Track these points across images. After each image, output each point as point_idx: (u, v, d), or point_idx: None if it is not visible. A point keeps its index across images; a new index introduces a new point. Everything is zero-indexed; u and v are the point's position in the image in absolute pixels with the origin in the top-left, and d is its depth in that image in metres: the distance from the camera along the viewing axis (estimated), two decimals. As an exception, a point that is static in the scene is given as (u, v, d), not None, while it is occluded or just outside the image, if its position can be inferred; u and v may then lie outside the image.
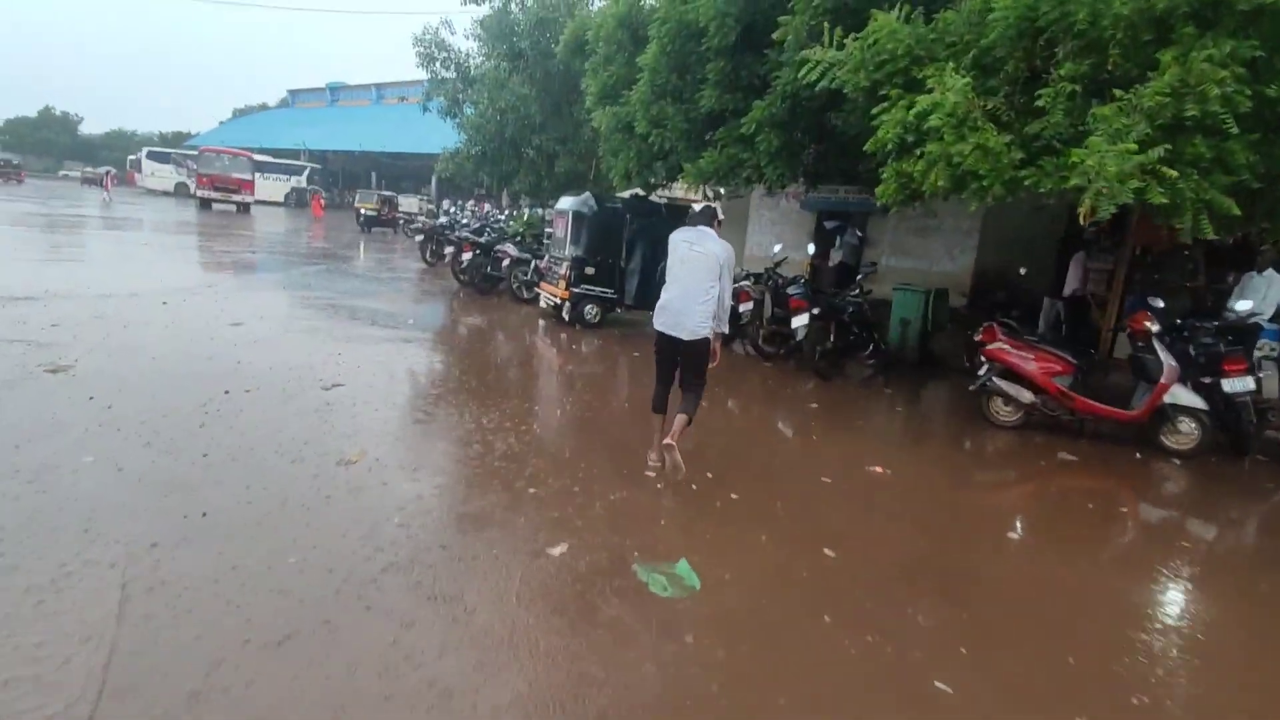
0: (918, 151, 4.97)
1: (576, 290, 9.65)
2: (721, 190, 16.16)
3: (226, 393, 4.95)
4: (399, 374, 6.31)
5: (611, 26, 11.73)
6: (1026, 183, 4.49)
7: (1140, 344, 6.32)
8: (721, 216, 4.55)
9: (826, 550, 3.52)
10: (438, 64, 19.67)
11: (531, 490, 3.92)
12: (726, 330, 4.50)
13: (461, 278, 12.60)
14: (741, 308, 8.79)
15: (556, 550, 3.21)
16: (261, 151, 41.83)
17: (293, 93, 61.43)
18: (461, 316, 10.30)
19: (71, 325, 6.41)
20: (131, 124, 66.29)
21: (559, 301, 9.79)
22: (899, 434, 6.33)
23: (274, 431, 4.36)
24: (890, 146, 5.24)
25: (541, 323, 10.11)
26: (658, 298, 10.36)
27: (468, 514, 3.56)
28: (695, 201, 15.66)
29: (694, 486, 4.23)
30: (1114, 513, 4.80)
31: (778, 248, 10.03)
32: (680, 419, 4.22)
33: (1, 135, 61.57)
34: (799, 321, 7.66)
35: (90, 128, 67.83)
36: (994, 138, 4.48)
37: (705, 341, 4.26)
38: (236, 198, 26.78)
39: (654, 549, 3.34)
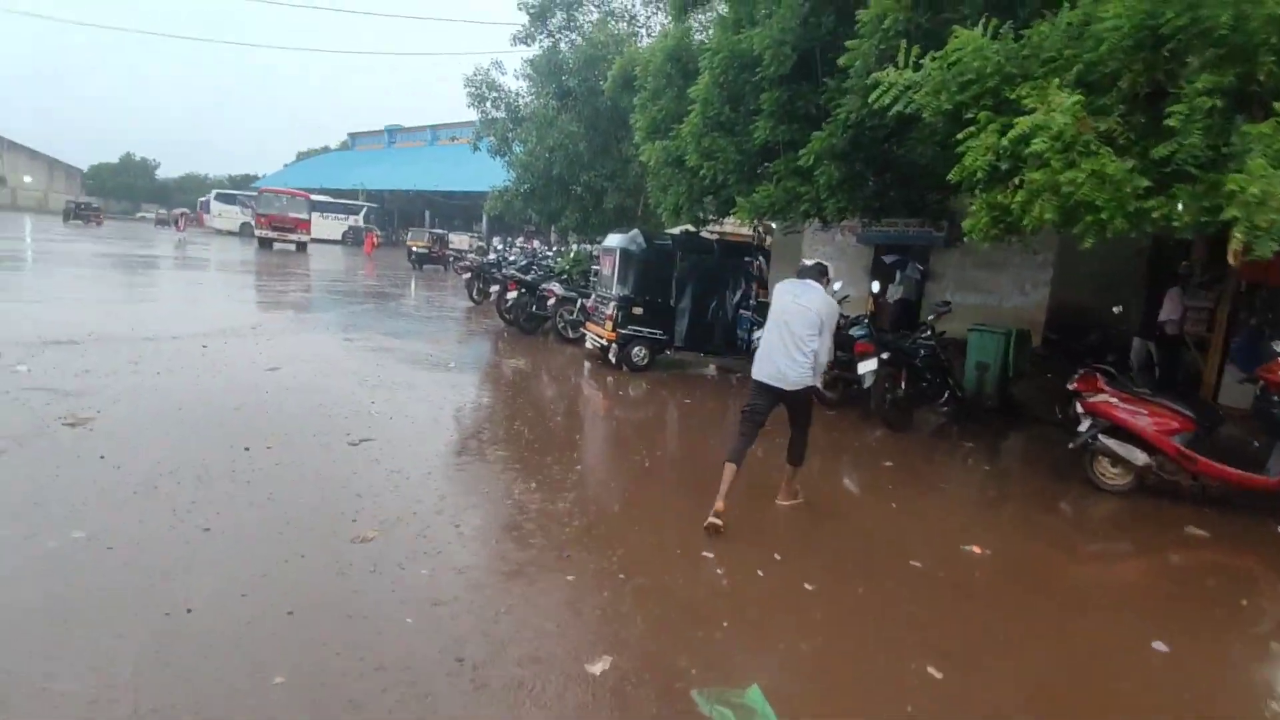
0: (1015, 180, 4.34)
1: (624, 331, 9.17)
2: (774, 224, 15.66)
3: (246, 449, 4.58)
4: (433, 425, 5.88)
5: (660, 61, 11.47)
6: (1155, 214, 3.80)
7: (1276, 397, 5.44)
8: (833, 276, 4.68)
9: (931, 669, 2.84)
10: (488, 104, 19.89)
11: (570, 578, 3.36)
12: (818, 384, 4.58)
13: (506, 317, 12.30)
14: (801, 351, 8.16)
15: (596, 668, 2.63)
16: (322, 192, 43.35)
17: (353, 135, 63.98)
18: (504, 358, 9.93)
19: (104, 371, 6.21)
20: (204, 168, 70.03)
21: (605, 343, 9.33)
22: (991, 500, 5.55)
23: (287, 498, 3.92)
24: (979, 175, 4.62)
25: (587, 365, 9.64)
26: (709, 339, 9.70)
27: (493, 613, 3.01)
28: (745, 237, 15.16)
29: (760, 572, 3.60)
30: (1273, 610, 3.95)
31: (838, 285, 9.34)
32: (789, 470, 4.62)
33: (86, 180, 65.69)
34: (866, 367, 6.96)
35: (167, 172, 71.87)
36: (1113, 163, 3.82)
37: (808, 390, 4.38)
38: (293, 236, 27.48)
39: (717, 666, 2.72)
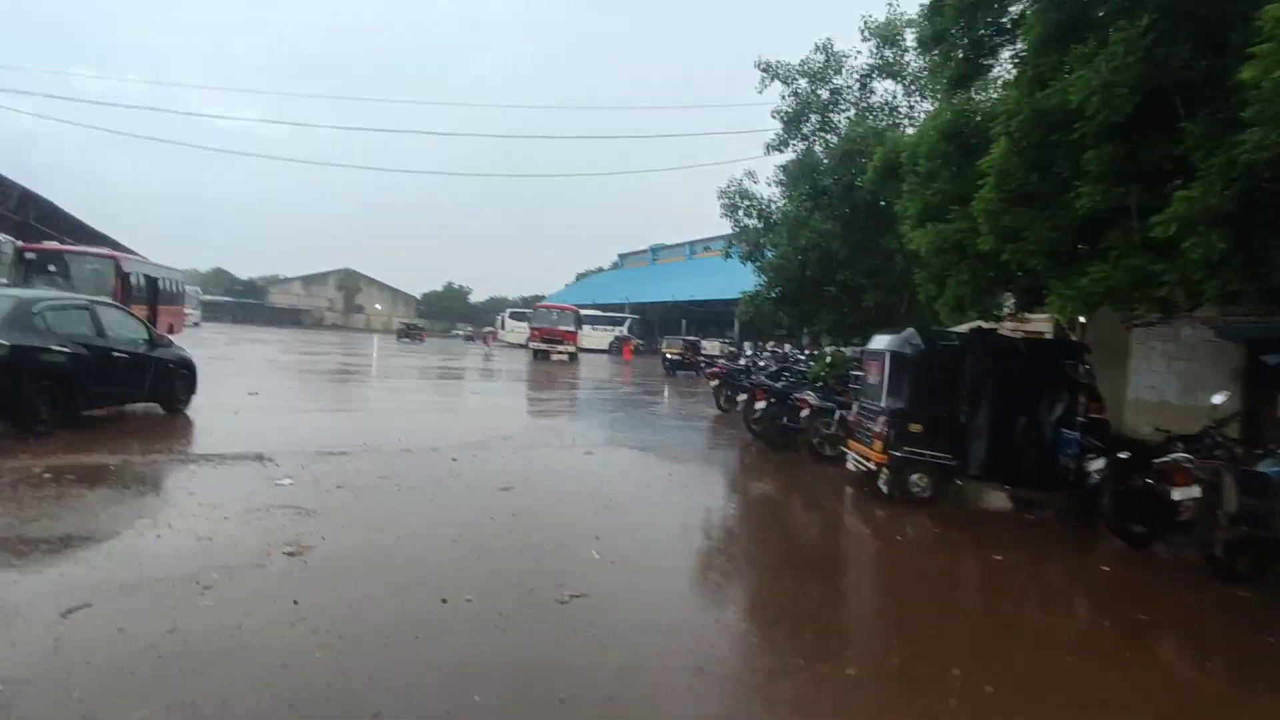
0: None
1: (897, 454, 7.37)
2: (1082, 319, 12.56)
3: (443, 602, 3.88)
4: (659, 578, 4.78)
5: (934, 140, 10.03)
6: None
7: None
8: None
9: None
10: (740, 212, 19.87)
11: None
12: None
13: (754, 428, 11.12)
14: (1178, 494, 5.62)
15: None
16: (594, 307, 47.74)
17: (621, 255, 70.73)
18: (750, 480, 8.68)
19: (356, 486, 6.27)
20: (504, 291, 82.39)
21: (873, 467, 7.59)
22: None
23: (466, 689, 3.02)
24: None
25: (849, 492, 7.96)
26: (1016, 466, 7.51)
27: None
28: (1039, 334, 12.33)
29: None
30: None
31: (1220, 398, 6.61)
32: None
33: (419, 305, 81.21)
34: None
35: (477, 296, 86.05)
36: None
37: None
38: (561, 348, 29.80)
39: None
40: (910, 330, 7.85)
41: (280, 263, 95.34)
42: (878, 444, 7.51)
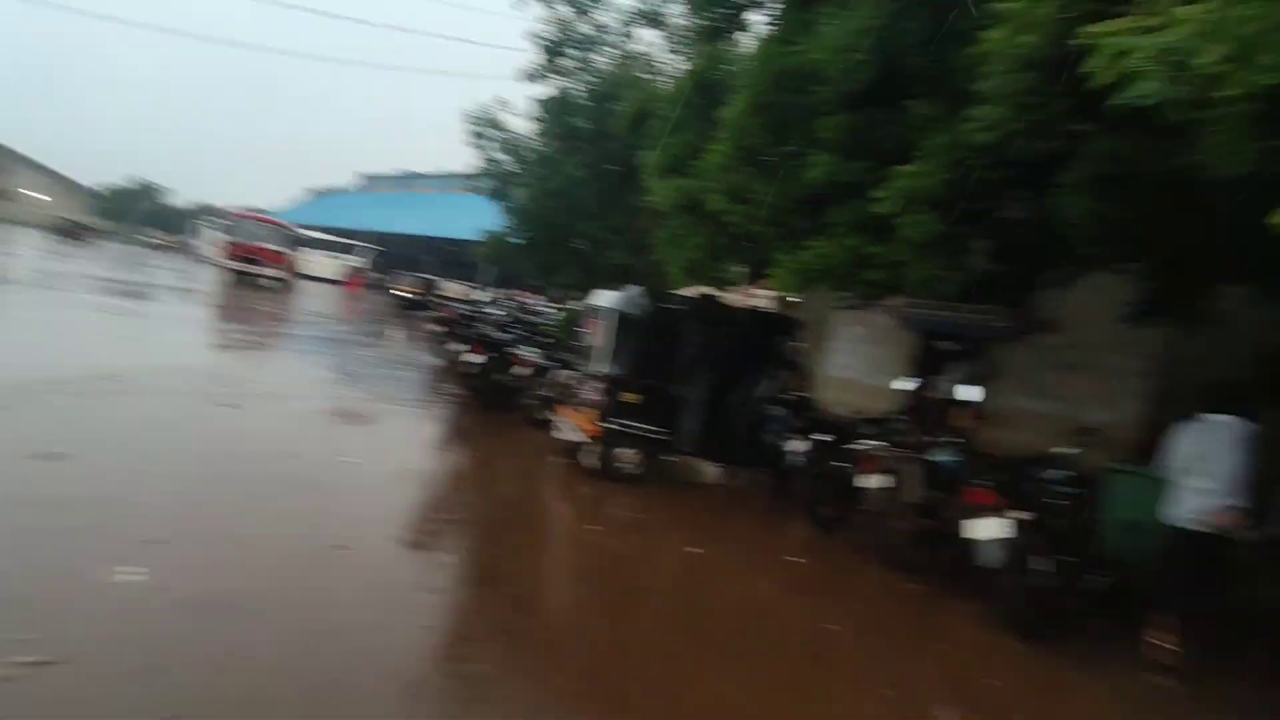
0: None
1: (608, 425, 6.55)
2: (798, 296, 13.05)
3: None
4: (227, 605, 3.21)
5: (687, 88, 9.36)
6: None
7: None
8: None
9: None
10: (488, 142, 17.97)
11: None
12: None
13: (470, 385, 9.71)
14: (869, 481, 5.48)
15: None
16: (335, 231, 41.47)
17: (370, 178, 63.03)
18: (443, 446, 7.32)
19: None
20: (218, 199, 68.69)
21: (585, 438, 6.69)
22: None
23: None
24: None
25: (553, 464, 7.02)
26: (726, 443, 6.67)
27: None
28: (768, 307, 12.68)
29: None
30: None
31: (906, 384, 6.80)
32: None
33: (103, 201, 65.22)
34: (989, 532, 4.31)
35: (182, 201, 71.28)
36: None
37: None
38: (269, 271, 23.64)
39: None
40: (639, 288, 7.03)
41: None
42: (590, 413, 6.63)
